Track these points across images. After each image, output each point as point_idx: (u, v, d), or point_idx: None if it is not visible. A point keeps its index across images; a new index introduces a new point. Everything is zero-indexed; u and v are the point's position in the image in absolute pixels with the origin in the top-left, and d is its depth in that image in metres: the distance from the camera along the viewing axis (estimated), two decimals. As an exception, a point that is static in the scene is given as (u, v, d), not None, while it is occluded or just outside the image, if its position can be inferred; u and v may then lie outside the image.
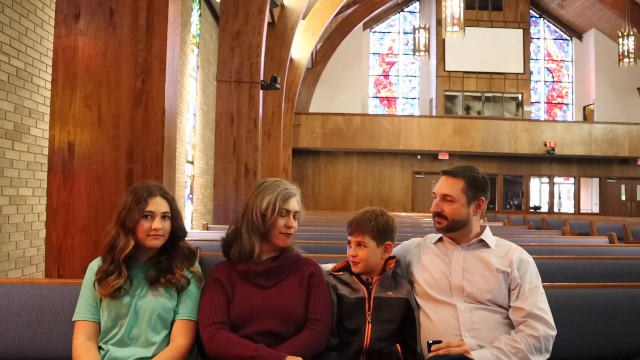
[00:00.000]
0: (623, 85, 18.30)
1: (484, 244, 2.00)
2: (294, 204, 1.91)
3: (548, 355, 1.81)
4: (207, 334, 1.77)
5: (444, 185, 2.03)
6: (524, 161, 17.33)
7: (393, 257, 2.04)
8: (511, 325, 1.86)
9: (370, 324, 1.86)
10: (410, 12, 19.90)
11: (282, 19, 10.50)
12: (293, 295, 1.86)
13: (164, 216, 1.86)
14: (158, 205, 1.85)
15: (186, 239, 1.95)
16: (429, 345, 1.76)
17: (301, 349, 1.72)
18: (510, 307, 1.88)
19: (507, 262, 1.93)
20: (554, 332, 1.82)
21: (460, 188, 1.99)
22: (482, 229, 2.05)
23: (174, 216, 1.89)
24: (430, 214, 2.09)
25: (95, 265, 1.87)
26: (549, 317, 1.84)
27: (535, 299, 1.85)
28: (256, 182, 2.00)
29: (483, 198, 2.03)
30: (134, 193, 1.85)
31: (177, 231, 1.90)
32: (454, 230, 2.00)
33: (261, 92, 6.45)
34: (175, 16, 2.61)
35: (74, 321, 1.82)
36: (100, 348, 1.80)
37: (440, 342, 1.76)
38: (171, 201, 1.90)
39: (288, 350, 1.71)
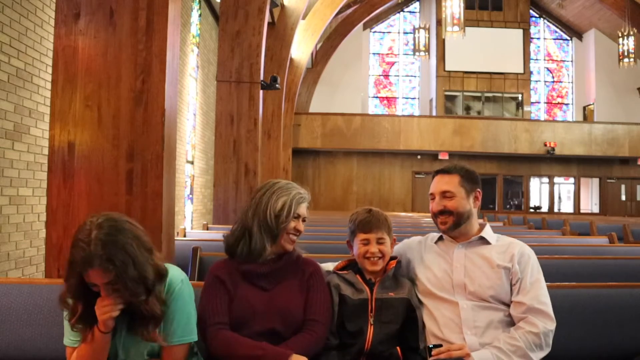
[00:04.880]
0: (623, 85, 18.30)
1: (484, 241, 2.01)
2: (305, 209, 1.95)
3: (549, 350, 1.81)
4: (210, 334, 1.76)
5: (440, 183, 2.05)
6: (524, 161, 17.34)
7: (395, 258, 2.04)
8: (514, 323, 1.86)
9: (372, 326, 1.86)
10: (410, 12, 19.90)
11: (282, 19, 10.50)
12: (294, 297, 1.86)
13: (107, 286, 1.53)
14: (100, 276, 1.51)
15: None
16: (430, 349, 1.74)
17: (299, 350, 1.72)
18: (511, 302, 1.88)
19: (508, 257, 1.93)
20: (553, 326, 1.82)
21: (457, 182, 2.02)
22: (482, 226, 2.06)
23: (124, 280, 1.52)
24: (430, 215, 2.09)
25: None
26: (549, 310, 1.84)
27: (537, 292, 1.85)
28: (266, 182, 1.99)
29: (479, 189, 2.07)
30: (73, 253, 1.52)
31: (132, 297, 1.55)
32: (459, 225, 2.00)
33: (261, 92, 6.44)
34: (175, 16, 2.61)
35: (66, 345, 1.67)
36: None
37: (440, 345, 1.74)
38: (118, 266, 1.50)
39: (292, 352, 1.71)
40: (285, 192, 1.91)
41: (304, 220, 1.95)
